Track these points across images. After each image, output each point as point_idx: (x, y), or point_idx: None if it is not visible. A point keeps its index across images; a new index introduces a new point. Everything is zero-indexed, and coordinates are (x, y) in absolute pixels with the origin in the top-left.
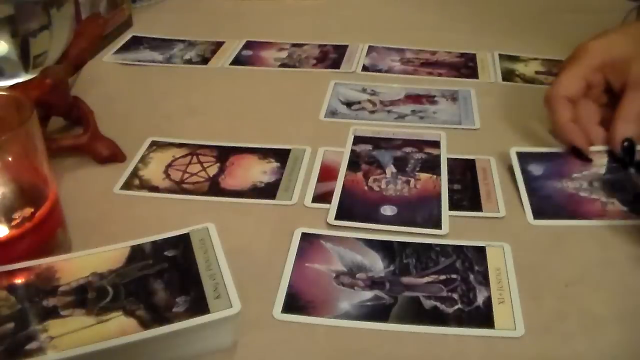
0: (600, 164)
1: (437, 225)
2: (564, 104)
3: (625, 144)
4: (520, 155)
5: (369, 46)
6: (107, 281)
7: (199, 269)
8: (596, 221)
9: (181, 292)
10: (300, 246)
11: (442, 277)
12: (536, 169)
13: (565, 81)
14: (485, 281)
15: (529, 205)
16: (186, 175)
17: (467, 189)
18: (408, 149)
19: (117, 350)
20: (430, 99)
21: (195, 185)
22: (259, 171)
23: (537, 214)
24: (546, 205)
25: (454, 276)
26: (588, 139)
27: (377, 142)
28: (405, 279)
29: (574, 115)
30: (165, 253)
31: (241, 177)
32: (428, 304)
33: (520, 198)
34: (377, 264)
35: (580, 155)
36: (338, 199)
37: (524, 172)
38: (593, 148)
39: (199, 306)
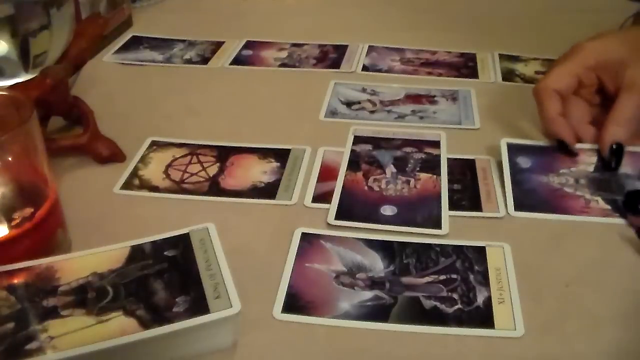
0: (589, 162)
1: (437, 225)
2: (552, 97)
3: (614, 146)
4: (510, 147)
5: (369, 46)
6: (107, 281)
7: (199, 269)
8: (576, 217)
9: (181, 292)
10: (300, 246)
11: (442, 277)
12: (524, 162)
13: (556, 75)
14: (485, 281)
15: (511, 196)
16: (186, 175)
17: (467, 189)
18: (408, 149)
19: (117, 350)
20: (430, 99)
21: (195, 185)
22: (259, 171)
23: (518, 206)
24: (528, 198)
25: (454, 276)
26: (575, 135)
27: (377, 142)
28: (405, 279)
29: (563, 111)
30: (165, 253)
31: (241, 177)
32: (428, 304)
33: (504, 188)
34: (377, 264)
35: (566, 150)
36: (338, 199)
37: (512, 163)
38: (582, 145)
39: (199, 306)
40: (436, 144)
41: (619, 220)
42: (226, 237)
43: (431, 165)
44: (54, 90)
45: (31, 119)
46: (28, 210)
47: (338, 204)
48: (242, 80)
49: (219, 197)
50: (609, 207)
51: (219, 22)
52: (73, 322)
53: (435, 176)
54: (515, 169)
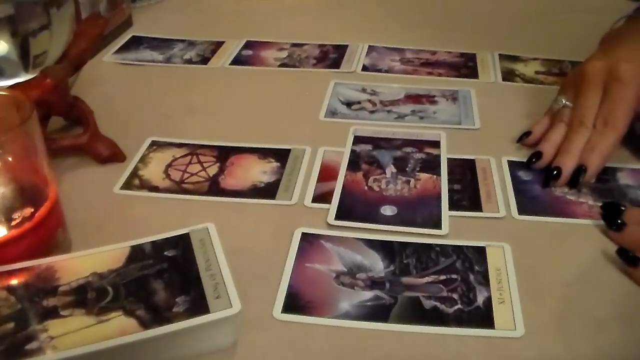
0: None
1: (437, 225)
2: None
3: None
4: (512, 164)
5: (369, 46)
6: (107, 281)
7: (199, 269)
8: (581, 220)
9: (181, 292)
10: (300, 246)
11: (442, 277)
12: (525, 175)
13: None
14: (485, 281)
15: (514, 200)
16: (186, 175)
17: (467, 189)
18: (408, 149)
19: (117, 350)
20: (430, 99)
21: (195, 185)
22: (259, 171)
23: (522, 210)
24: (532, 204)
25: (454, 276)
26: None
27: (377, 142)
28: (405, 279)
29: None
30: (165, 253)
31: (241, 177)
32: (428, 304)
33: (506, 193)
34: (377, 264)
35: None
36: (338, 199)
37: (513, 176)
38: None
39: (199, 306)
40: (436, 144)
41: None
42: (226, 237)
43: (431, 165)
44: (54, 90)
45: (31, 119)
46: (28, 210)
47: (338, 204)
48: (242, 80)
49: (219, 197)
50: None
51: (219, 22)
52: (73, 322)
53: (435, 176)
54: (517, 180)
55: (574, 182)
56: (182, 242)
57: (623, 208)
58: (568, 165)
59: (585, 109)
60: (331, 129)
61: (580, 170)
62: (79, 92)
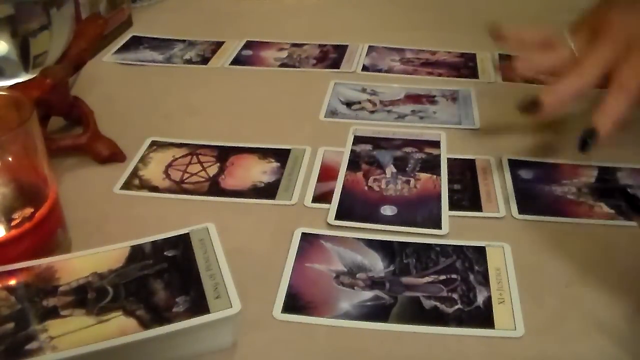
0: (590, 174)
1: (437, 225)
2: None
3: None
4: (512, 162)
5: (369, 46)
6: (107, 281)
7: (199, 269)
8: (582, 220)
9: (181, 292)
10: (300, 246)
11: (442, 277)
12: (526, 174)
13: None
14: (485, 281)
15: (514, 200)
16: (186, 175)
17: (467, 189)
18: (408, 149)
19: (117, 350)
20: (430, 99)
21: (195, 185)
22: (259, 171)
23: (522, 210)
24: (532, 204)
25: (454, 276)
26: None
27: (377, 142)
28: (405, 279)
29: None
30: (165, 253)
31: (241, 177)
32: (428, 304)
33: (507, 193)
34: (377, 264)
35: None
36: (338, 199)
37: (514, 175)
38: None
39: (199, 306)
40: (436, 144)
41: (621, 222)
42: (226, 237)
43: (431, 165)
44: (54, 90)
45: (31, 119)
46: (28, 210)
47: (338, 204)
48: (242, 80)
49: (219, 197)
50: (612, 211)
51: (219, 22)
52: (73, 322)
53: (435, 176)
54: (517, 180)
55: (584, 145)
56: (182, 242)
57: None
58: (549, 102)
59: (594, 60)
60: (331, 129)
61: (592, 133)
62: (79, 92)
